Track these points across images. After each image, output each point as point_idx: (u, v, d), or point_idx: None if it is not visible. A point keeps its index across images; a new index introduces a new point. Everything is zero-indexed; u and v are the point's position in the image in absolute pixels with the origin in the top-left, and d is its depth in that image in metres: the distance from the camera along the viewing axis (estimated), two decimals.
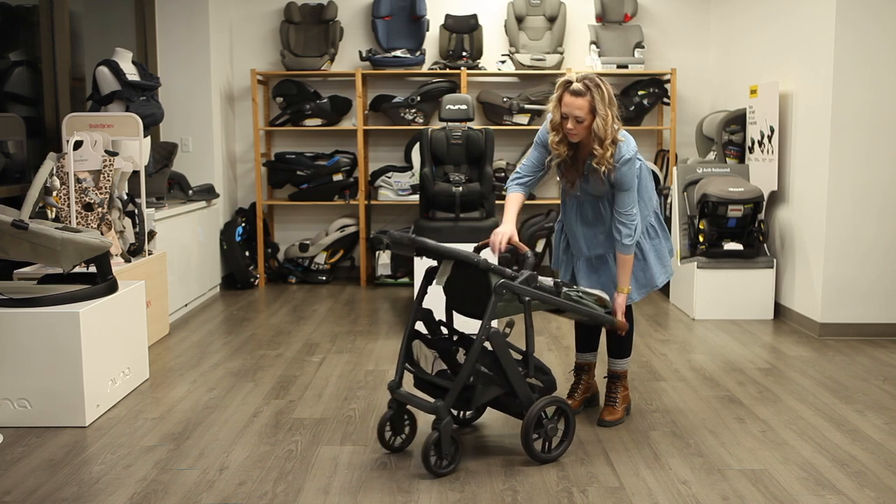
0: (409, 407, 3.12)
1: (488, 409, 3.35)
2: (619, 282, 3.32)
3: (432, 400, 3.00)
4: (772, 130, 5.36)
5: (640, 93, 6.65)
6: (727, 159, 5.87)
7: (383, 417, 3.11)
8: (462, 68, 6.52)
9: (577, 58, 6.80)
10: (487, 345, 2.96)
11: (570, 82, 3.12)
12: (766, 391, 3.89)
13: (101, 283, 3.65)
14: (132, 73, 4.93)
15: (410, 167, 6.71)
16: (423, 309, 3.16)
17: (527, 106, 6.57)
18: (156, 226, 4.96)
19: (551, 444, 3.06)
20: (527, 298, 2.95)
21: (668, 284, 5.95)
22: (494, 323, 3.06)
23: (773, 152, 5.37)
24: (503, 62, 6.66)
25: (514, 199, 3.37)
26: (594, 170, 3.19)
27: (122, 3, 6.02)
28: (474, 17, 6.69)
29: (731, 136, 5.87)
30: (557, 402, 3.06)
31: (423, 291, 3.14)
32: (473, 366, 2.89)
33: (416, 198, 6.41)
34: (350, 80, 6.73)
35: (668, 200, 5.98)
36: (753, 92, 5.61)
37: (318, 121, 6.65)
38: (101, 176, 4.37)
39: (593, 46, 6.59)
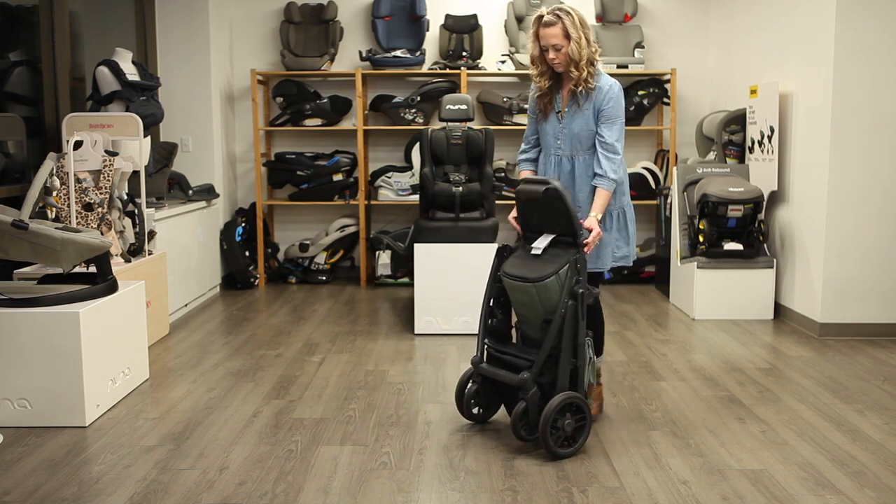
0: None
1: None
2: (592, 207, 3.30)
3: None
4: (772, 130, 5.36)
5: (640, 93, 6.65)
6: (727, 159, 5.87)
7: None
8: (462, 68, 6.52)
9: None
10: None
11: (542, 16, 3.29)
12: (766, 391, 3.88)
13: (101, 283, 3.65)
14: (132, 73, 4.93)
15: (410, 167, 6.71)
16: (498, 287, 3.33)
17: (527, 106, 6.56)
18: (156, 226, 4.96)
19: (568, 441, 3.09)
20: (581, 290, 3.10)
21: (668, 284, 5.95)
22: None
23: (773, 152, 5.37)
24: (503, 62, 6.66)
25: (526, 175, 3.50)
26: (576, 101, 3.32)
27: (122, 3, 6.02)
28: (474, 17, 6.69)
29: (731, 136, 5.87)
30: (579, 399, 3.09)
31: (495, 269, 3.33)
32: (559, 334, 3.05)
33: (416, 198, 6.41)
34: (350, 80, 6.73)
35: (668, 200, 5.98)
36: (753, 92, 5.61)
37: (318, 121, 6.65)
38: (101, 176, 4.37)
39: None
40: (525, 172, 3.55)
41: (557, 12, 3.27)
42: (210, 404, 3.70)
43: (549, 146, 3.44)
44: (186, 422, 3.47)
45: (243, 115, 6.87)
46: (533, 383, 3.07)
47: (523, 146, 3.59)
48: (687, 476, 2.92)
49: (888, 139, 4.78)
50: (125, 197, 4.59)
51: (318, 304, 5.90)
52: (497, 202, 5.44)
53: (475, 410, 3.41)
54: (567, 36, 3.25)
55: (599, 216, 3.27)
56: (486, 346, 3.34)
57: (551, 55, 3.29)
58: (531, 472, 2.95)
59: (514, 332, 3.42)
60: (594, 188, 3.31)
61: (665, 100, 6.71)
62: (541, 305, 3.11)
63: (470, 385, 3.36)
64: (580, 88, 3.29)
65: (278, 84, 6.64)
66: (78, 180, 4.33)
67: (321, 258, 6.73)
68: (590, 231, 3.20)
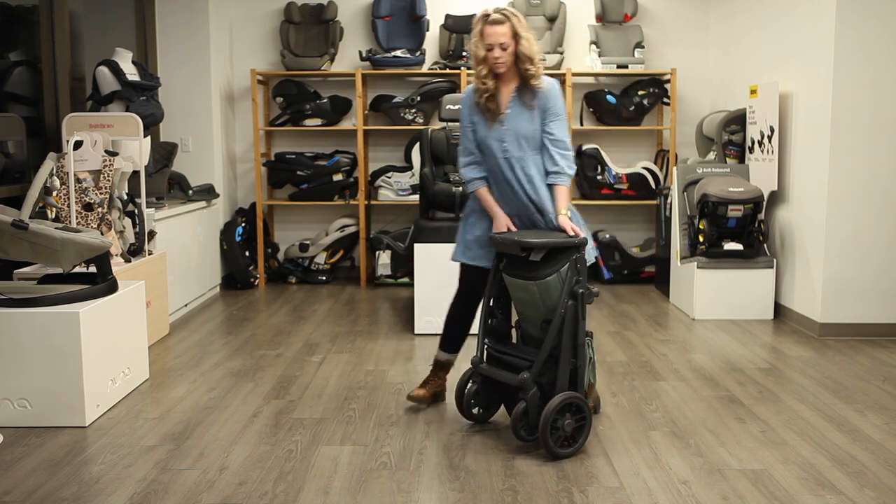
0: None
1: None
2: (557, 207, 3.30)
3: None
4: (772, 130, 5.36)
5: (640, 93, 6.65)
6: (727, 159, 5.87)
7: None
8: (462, 68, 6.52)
9: (577, 58, 6.80)
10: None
11: (487, 15, 3.29)
12: (766, 391, 3.88)
13: (101, 283, 3.65)
14: (132, 73, 4.93)
15: (410, 167, 6.71)
16: (498, 287, 3.34)
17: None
18: (156, 226, 4.96)
19: (568, 441, 3.09)
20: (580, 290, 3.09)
21: (668, 284, 5.95)
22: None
23: (773, 152, 5.37)
24: None
25: (487, 193, 3.42)
26: (521, 101, 3.31)
27: (122, 3, 6.02)
28: (474, 17, 6.68)
29: (731, 136, 5.87)
30: (584, 402, 3.09)
31: (495, 268, 3.32)
32: (559, 334, 3.05)
33: (416, 198, 6.40)
34: (350, 80, 6.73)
35: (668, 200, 5.98)
36: (753, 92, 5.60)
37: (318, 121, 6.65)
38: (101, 176, 4.37)
39: (593, 46, 6.59)
40: (482, 190, 3.41)
41: (504, 12, 3.27)
42: (210, 404, 3.70)
43: (493, 151, 3.34)
44: (186, 422, 3.47)
45: (243, 115, 6.87)
46: (533, 383, 3.07)
47: (469, 159, 3.42)
48: (687, 476, 2.92)
49: (888, 139, 4.78)
50: (125, 197, 4.59)
51: (318, 304, 5.90)
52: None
53: (475, 410, 3.41)
54: (515, 35, 3.24)
55: (568, 213, 3.29)
56: (485, 346, 3.34)
57: (497, 54, 3.24)
58: (531, 472, 2.95)
59: (514, 331, 3.42)
60: (550, 187, 3.32)
61: (665, 100, 6.71)
62: (542, 304, 3.11)
63: (470, 385, 3.36)
64: (531, 87, 3.28)
65: (278, 84, 6.64)
66: (78, 180, 4.33)
67: (321, 258, 6.73)
68: (569, 230, 3.24)
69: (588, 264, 3.21)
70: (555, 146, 3.31)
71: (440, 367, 3.68)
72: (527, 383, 3.06)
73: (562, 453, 3.05)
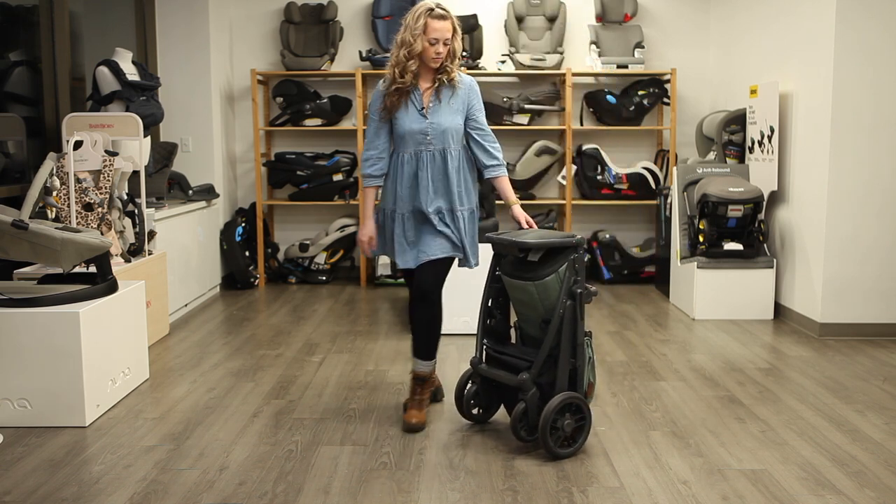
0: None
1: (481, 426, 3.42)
2: (508, 199, 3.42)
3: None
4: (772, 130, 5.36)
5: (640, 93, 6.65)
6: (727, 159, 5.87)
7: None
8: (462, 68, 6.50)
9: (576, 58, 6.80)
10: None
11: (431, 9, 3.26)
12: (766, 391, 3.88)
13: (101, 283, 3.65)
14: (132, 73, 4.93)
15: None
16: (496, 287, 3.34)
17: (527, 106, 6.57)
18: (156, 226, 4.96)
19: (568, 441, 3.09)
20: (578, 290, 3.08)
21: (668, 284, 5.95)
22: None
23: (773, 152, 5.37)
24: (503, 62, 6.66)
25: (373, 196, 3.48)
26: (439, 97, 3.33)
27: (122, 3, 6.02)
28: (474, 17, 6.69)
29: (731, 136, 5.87)
30: (578, 399, 3.08)
31: (493, 269, 3.33)
32: (558, 334, 3.05)
33: None
34: (350, 80, 6.74)
35: (668, 200, 5.98)
36: (753, 92, 5.60)
37: (318, 121, 6.65)
38: (101, 176, 4.37)
39: (593, 46, 6.59)
40: (371, 190, 3.44)
41: (444, 6, 3.29)
42: (210, 404, 3.70)
43: (414, 142, 3.34)
44: (186, 422, 3.47)
45: (243, 115, 6.87)
46: (532, 384, 3.07)
47: (373, 153, 3.41)
48: (687, 476, 2.92)
49: (888, 139, 4.78)
50: (125, 197, 4.59)
51: (318, 304, 5.90)
52: (497, 202, 5.43)
53: (475, 411, 3.41)
54: (454, 31, 3.27)
55: (517, 201, 3.41)
56: (484, 347, 3.34)
57: (440, 49, 3.25)
58: (531, 472, 2.95)
59: (513, 332, 3.42)
60: (489, 181, 3.41)
61: (665, 100, 6.71)
62: (540, 304, 3.11)
63: (469, 385, 3.37)
64: (450, 83, 3.33)
65: (278, 84, 6.64)
66: (78, 180, 4.33)
67: (321, 258, 6.73)
68: (523, 220, 3.36)
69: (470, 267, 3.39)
70: (485, 139, 3.40)
71: (423, 380, 3.51)
72: (526, 384, 3.06)
73: (562, 453, 3.05)
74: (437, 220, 3.33)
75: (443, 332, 3.52)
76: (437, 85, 3.34)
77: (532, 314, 3.18)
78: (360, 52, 6.58)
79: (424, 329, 3.43)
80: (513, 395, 3.20)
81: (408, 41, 3.25)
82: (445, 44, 3.25)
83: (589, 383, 3.19)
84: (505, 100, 6.57)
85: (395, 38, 3.33)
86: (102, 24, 5.86)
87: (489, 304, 3.34)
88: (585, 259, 3.37)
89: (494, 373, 3.23)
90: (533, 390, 3.07)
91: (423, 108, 3.33)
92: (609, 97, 6.63)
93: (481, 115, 3.41)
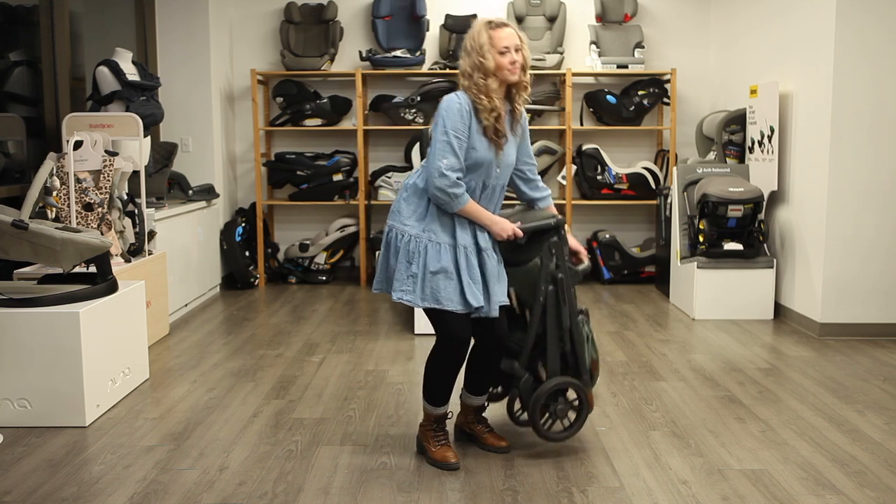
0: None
1: (487, 410, 3.37)
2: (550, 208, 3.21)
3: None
4: (772, 130, 5.36)
5: (640, 93, 6.65)
6: (727, 159, 5.87)
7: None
8: None
9: (577, 58, 6.80)
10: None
11: (490, 21, 2.94)
12: (766, 391, 3.88)
13: (101, 283, 3.65)
14: (132, 73, 4.93)
15: (410, 167, 6.71)
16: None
17: (527, 106, 6.56)
18: (156, 226, 4.96)
19: (559, 425, 3.07)
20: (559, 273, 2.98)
21: (668, 284, 5.94)
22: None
23: (773, 152, 5.37)
24: None
25: (476, 204, 2.96)
26: (512, 124, 3.01)
27: (122, 3, 6.02)
28: (474, 17, 6.68)
29: (731, 136, 5.87)
30: (577, 387, 3.05)
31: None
32: (541, 320, 2.98)
33: None
34: (350, 80, 6.73)
35: (668, 200, 5.98)
36: (753, 92, 5.60)
37: (318, 121, 6.65)
38: (101, 176, 4.37)
39: (593, 46, 6.59)
40: (473, 203, 2.92)
41: (502, 18, 2.98)
42: (210, 404, 3.70)
43: (485, 175, 2.96)
44: (186, 422, 3.47)
45: (243, 115, 6.87)
46: (523, 370, 3.05)
47: (459, 174, 2.87)
48: (687, 476, 2.92)
49: (888, 139, 4.78)
50: (125, 197, 4.59)
51: (318, 304, 5.90)
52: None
53: (496, 389, 3.32)
54: (521, 40, 2.92)
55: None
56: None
57: (514, 57, 2.88)
58: (531, 472, 2.95)
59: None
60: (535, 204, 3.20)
61: (665, 100, 6.71)
62: (530, 289, 3.06)
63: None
64: (516, 106, 2.99)
65: (278, 84, 6.64)
66: (78, 180, 4.33)
67: (321, 258, 6.73)
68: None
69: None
70: (534, 174, 3.18)
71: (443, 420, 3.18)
72: (517, 370, 3.05)
73: (553, 436, 3.05)
74: (497, 258, 3.00)
75: None
76: (509, 112, 2.98)
77: (529, 298, 3.11)
78: (360, 52, 6.58)
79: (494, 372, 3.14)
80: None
81: (478, 63, 2.87)
82: (517, 50, 2.88)
83: (592, 361, 3.14)
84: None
85: (460, 66, 2.97)
86: (102, 24, 5.86)
87: None
88: (568, 241, 3.14)
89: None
90: (525, 376, 3.05)
91: (503, 141, 2.95)
92: (609, 97, 6.63)
93: (530, 147, 3.16)
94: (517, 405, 3.30)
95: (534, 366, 3.09)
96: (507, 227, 2.95)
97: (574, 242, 3.16)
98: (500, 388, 3.38)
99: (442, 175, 2.84)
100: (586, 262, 3.17)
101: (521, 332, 3.16)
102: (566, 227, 3.18)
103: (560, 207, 6.82)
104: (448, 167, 2.85)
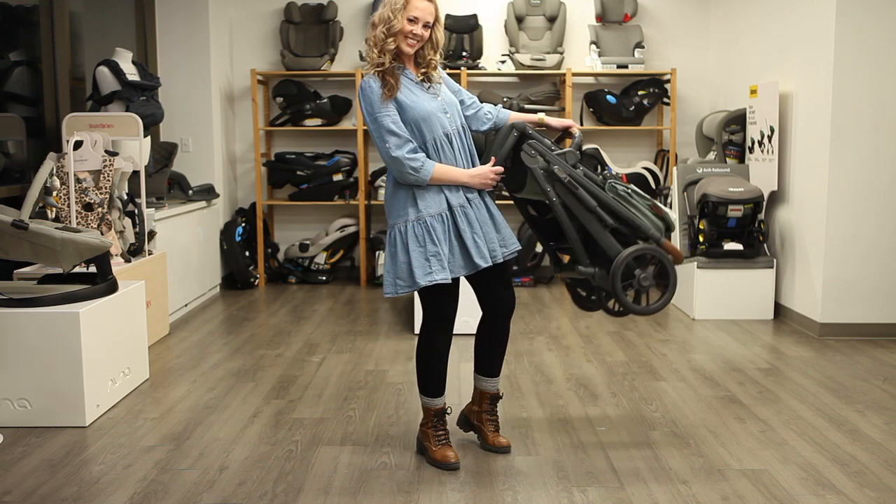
0: None
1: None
2: (532, 118, 3.18)
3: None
4: (772, 130, 5.36)
5: (640, 93, 6.65)
6: (727, 159, 5.87)
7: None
8: (462, 68, 6.52)
9: (577, 58, 6.80)
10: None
11: None
12: (766, 391, 3.88)
13: (101, 283, 3.65)
14: (132, 73, 4.94)
15: None
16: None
17: (527, 106, 6.57)
18: (156, 226, 4.96)
19: (648, 297, 3.03)
20: (557, 171, 2.95)
21: None
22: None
23: (773, 152, 5.37)
24: (503, 62, 6.67)
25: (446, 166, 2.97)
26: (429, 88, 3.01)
27: (122, 3, 6.02)
28: (474, 17, 6.69)
29: (731, 136, 5.87)
30: (651, 251, 2.96)
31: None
32: (570, 216, 2.95)
33: None
34: (350, 80, 6.73)
35: (668, 200, 5.98)
36: (753, 92, 5.60)
37: (318, 121, 6.65)
38: (101, 176, 4.37)
39: (593, 46, 6.59)
40: (440, 165, 2.93)
41: None
42: (210, 404, 3.70)
43: (439, 124, 2.95)
44: (186, 422, 3.47)
45: (243, 115, 6.87)
46: (590, 268, 2.99)
47: (410, 146, 2.89)
48: (687, 476, 2.92)
49: (888, 139, 4.78)
50: (125, 197, 4.59)
51: (318, 304, 5.90)
52: (496, 202, 5.43)
53: (592, 297, 3.32)
54: (436, 18, 2.96)
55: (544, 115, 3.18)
56: (554, 251, 3.24)
57: (418, 31, 2.90)
58: (531, 472, 2.95)
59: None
60: (499, 120, 3.14)
61: (665, 100, 6.71)
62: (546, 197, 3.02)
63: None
64: (430, 79, 3.00)
65: (278, 84, 6.64)
66: (78, 180, 4.33)
67: (321, 258, 6.73)
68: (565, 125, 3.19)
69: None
70: (479, 105, 3.14)
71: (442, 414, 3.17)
72: (584, 273, 2.99)
73: (655, 306, 2.99)
74: (492, 204, 3.06)
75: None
76: (421, 80, 3.00)
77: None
78: (360, 52, 6.58)
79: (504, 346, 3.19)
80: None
81: (386, 17, 2.91)
82: (425, 27, 2.91)
83: (650, 206, 3.01)
84: (505, 100, 6.57)
85: (373, 16, 2.98)
86: (102, 24, 5.86)
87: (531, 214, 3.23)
88: (544, 137, 3.07)
89: (568, 275, 3.16)
90: (594, 271, 2.98)
91: (429, 87, 2.99)
92: (609, 97, 6.63)
93: (466, 92, 3.17)
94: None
95: (600, 259, 2.99)
96: (485, 171, 2.97)
97: (554, 122, 3.15)
98: (592, 296, 3.30)
99: (393, 157, 2.88)
100: (577, 133, 3.10)
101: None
102: (541, 116, 3.14)
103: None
104: (395, 146, 2.88)
